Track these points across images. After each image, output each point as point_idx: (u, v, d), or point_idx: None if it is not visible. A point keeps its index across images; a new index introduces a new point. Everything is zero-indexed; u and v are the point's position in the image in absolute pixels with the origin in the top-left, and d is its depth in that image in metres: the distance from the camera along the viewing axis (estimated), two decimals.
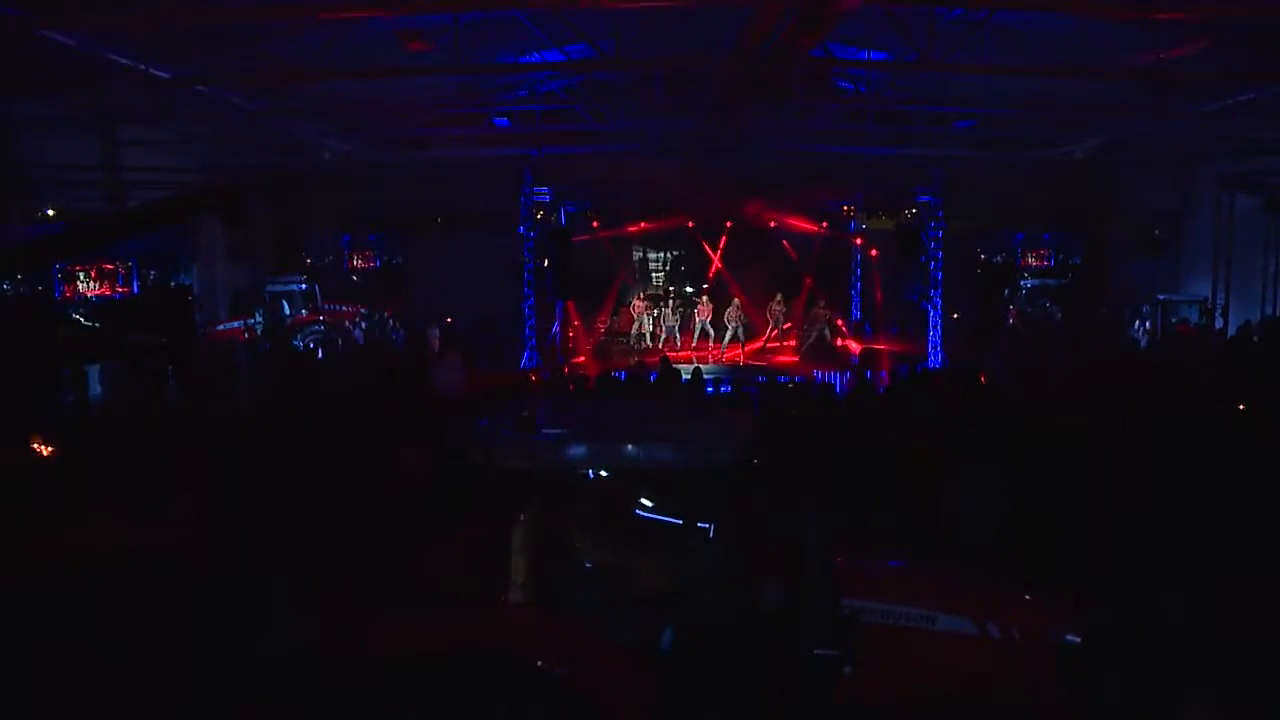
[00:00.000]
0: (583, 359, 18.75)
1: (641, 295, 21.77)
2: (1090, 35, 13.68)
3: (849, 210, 21.02)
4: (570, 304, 20.19)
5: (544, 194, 18.28)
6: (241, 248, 26.41)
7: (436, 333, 20.09)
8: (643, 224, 21.19)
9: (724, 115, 17.71)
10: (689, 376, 13.63)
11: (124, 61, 12.52)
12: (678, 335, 21.12)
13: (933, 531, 7.64)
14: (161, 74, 13.07)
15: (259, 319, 20.71)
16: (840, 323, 22.61)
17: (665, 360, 14.32)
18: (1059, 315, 22.09)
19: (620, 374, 15.26)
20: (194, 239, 24.11)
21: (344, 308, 23.55)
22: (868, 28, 15.12)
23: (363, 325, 22.47)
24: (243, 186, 12.99)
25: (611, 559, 4.78)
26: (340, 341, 20.61)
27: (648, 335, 21.31)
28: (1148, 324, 19.95)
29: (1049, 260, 26.18)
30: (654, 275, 27.00)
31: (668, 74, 16.88)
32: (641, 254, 27.17)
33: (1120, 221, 22.99)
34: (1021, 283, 23.39)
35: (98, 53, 12.15)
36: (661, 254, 26.76)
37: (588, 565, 4.74)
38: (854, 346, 20.83)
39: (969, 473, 7.47)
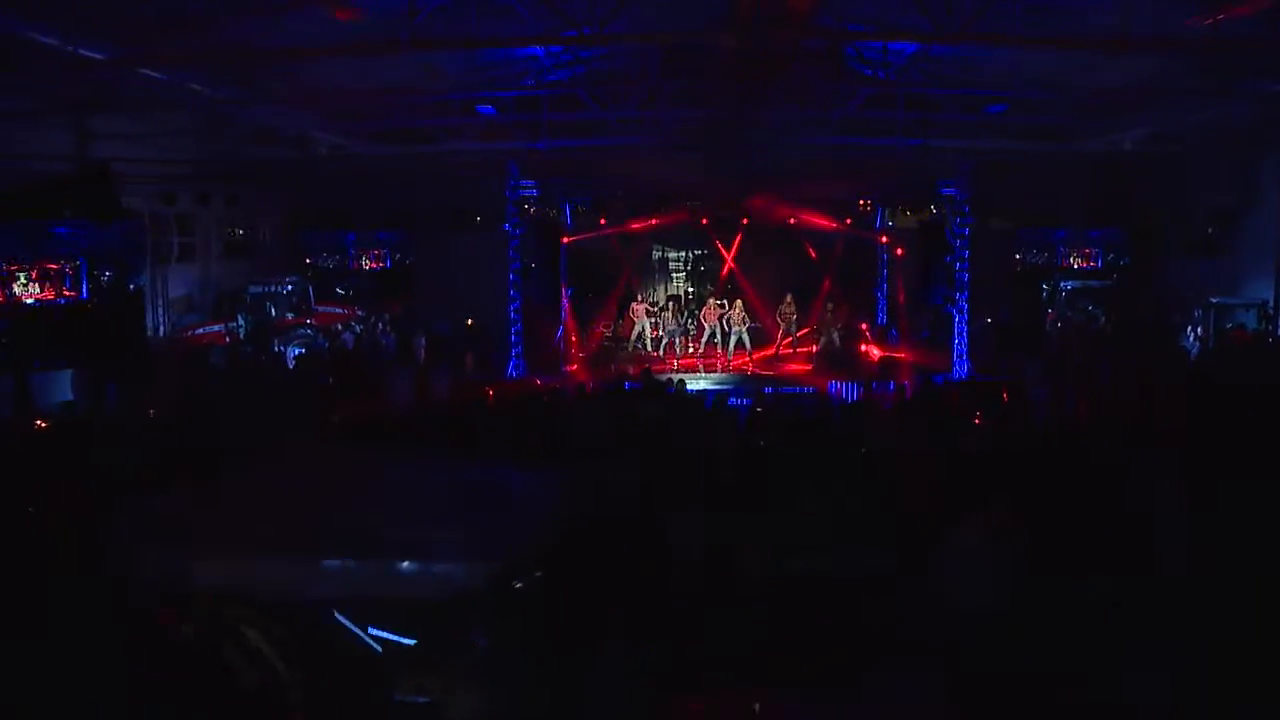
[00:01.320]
0: (575, 367, 17.26)
1: (640, 297, 20.29)
2: (1133, 5, 12.02)
3: (865, 204, 19.34)
4: (567, 307, 18.77)
5: (530, 188, 16.90)
6: (239, 245, 25.60)
7: (423, 341, 18.79)
8: (652, 220, 19.70)
9: (732, 102, 16.30)
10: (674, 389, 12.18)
11: (48, 41, 11.35)
12: (677, 341, 19.59)
13: (924, 594, 6.18)
14: (94, 55, 11.88)
15: (241, 322, 19.61)
16: (865, 327, 20.99)
17: (648, 372, 12.89)
18: (1102, 319, 20.23)
19: (630, 384, 13.93)
20: (192, 236, 23.34)
21: (339, 310, 22.48)
22: (886, 10, 13.66)
23: (356, 329, 21.29)
24: (110, 173, 11.73)
25: None
26: (328, 346, 19.43)
27: (648, 341, 19.83)
28: (1198, 330, 18.07)
29: (1096, 260, 24.31)
30: (674, 275, 25.71)
31: (665, 55, 15.43)
32: (662, 253, 25.93)
33: (1171, 218, 21.14)
34: (1061, 284, 21.53)
35: (16, 31, 11.00)
36: (682, 253, 25.36)
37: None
38: (875, 354, 19.20)
39: (970, 527, 5.96)
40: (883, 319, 21.83)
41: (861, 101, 16.51)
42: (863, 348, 20.06)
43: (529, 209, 18.73)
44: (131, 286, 15.58)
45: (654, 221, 19.67)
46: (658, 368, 16.85)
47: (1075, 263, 24.21)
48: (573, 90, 17.84)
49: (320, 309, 22.10)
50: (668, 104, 17.94)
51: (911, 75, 16.29)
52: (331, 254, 28.13)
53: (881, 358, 18.64)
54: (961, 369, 16.77)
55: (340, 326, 20.95)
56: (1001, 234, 25.44)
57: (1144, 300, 20.71)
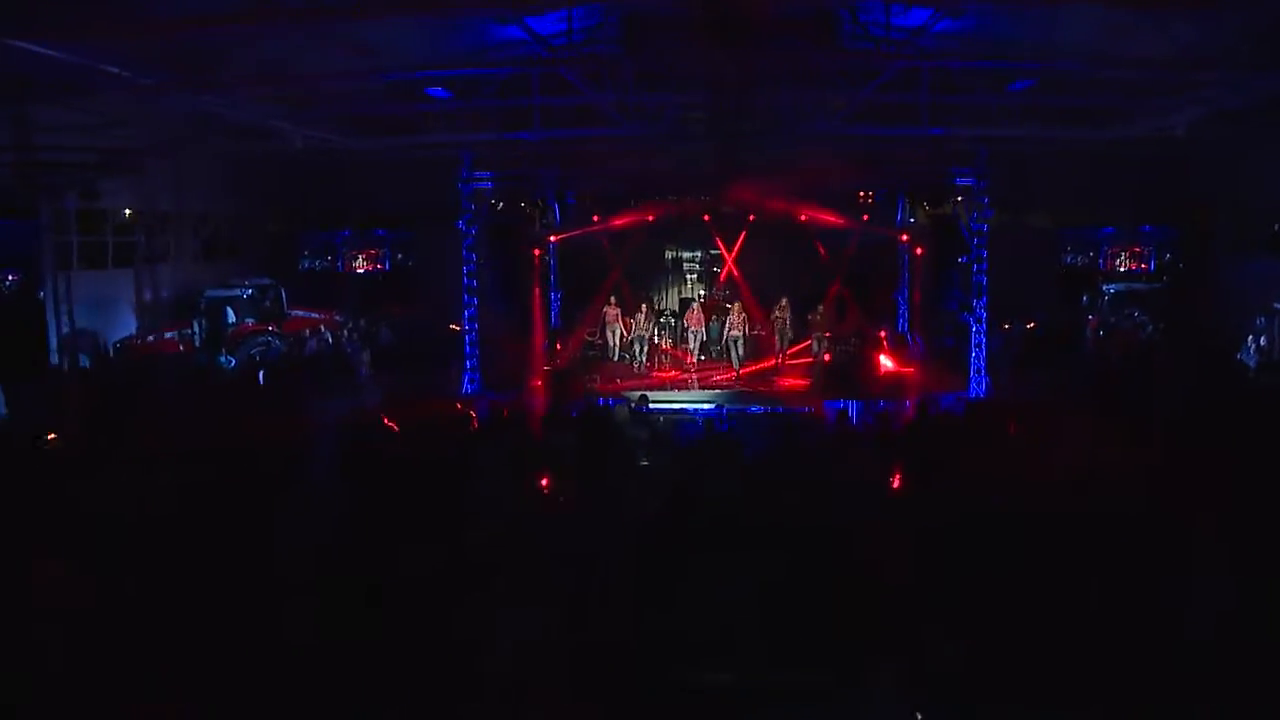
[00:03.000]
0: (539, 382, 15.30)
1: (613, 301, 18.32)
2: None
3: (865, 197, 17.15)
4: (537, 314, 16.91)
5: (485, 180, 15.13)
6: (221, 247, 24.20)
7: (367, 355, 17.11)
8: (634, 216, 17.80)
9: (723, 83, 14.44)
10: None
11: None
12: (641, 349, 17.57)
13: None
14: None
15: (197, 329, 18.13)
16: (883, 335, 18.82)
17: (591, 394, 10.99)
18: (1149, 327, 17.87)
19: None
20: (164, 236, 21.97)
21: (315, 315, 20.89)
22: None
23: (329, 336, 19.66)
24: None
25: None
26: (279, 355, 17.88)
27: (631, 349, 17.84)
28: (1261, 339, 15.69)
29: (1148, 261, 21.87)
30: (688, 277, 23.90)
31: (635, 27, 13.56)
32: (675, 254, 24.14)
33: (1230, 212, 18.72)
34: (1103, 287, 19.18)
35: None
36: (697, 253, 23.50)
37: None
38: (888, 366, 17.04)
39: (892, 665, 4.04)
40: (904, 326, 19.64)
41: (870, 85, 14.38)
42: (880, 358, 17.89)
43: (496, 204, 16.96)
44: (42, 293, 14.22)
45: (637, 218, 17.73)
46: (632, 383, 15.08)
47: (1125, 264, 21.87)
48: (555, 69, 16.03)
49: (295, 314, 20.59)
50: (652, 86, 16.18)
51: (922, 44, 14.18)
52: (323, 254, 26.78)
53: (888, 373, 16.49)
54: (979, 387, 14.57)
55: (308, 333, 19.33)
56: (1041, 233, 23.23)
57: (1198, 305, 18.34)
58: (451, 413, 9.96)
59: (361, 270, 26.64)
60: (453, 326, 21.25)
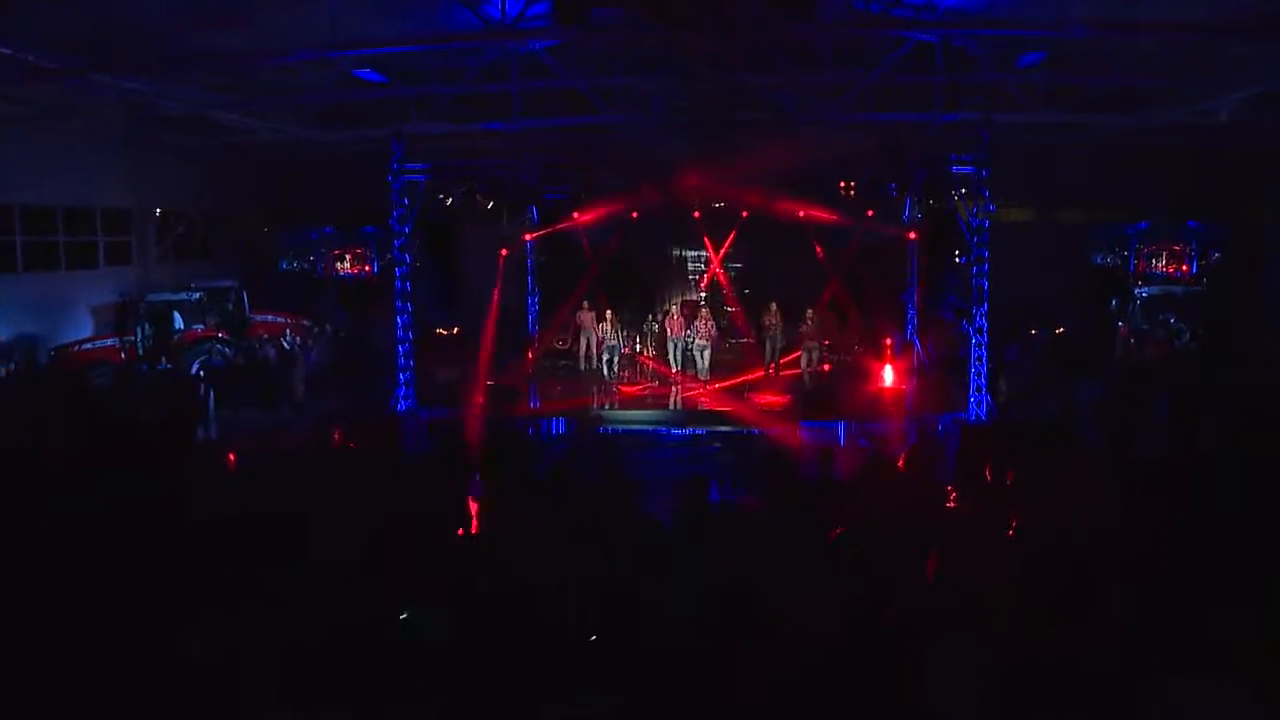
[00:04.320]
0: (481, 399, 13.60)
1: (586, 305, 16.65)
2: None
3: (847, 188, 15.27)
4: (491, 320, 15.32)
5: (417, 172, 13.56)
6: (196, 247, 22.98)
7: (303, 372, 15.66)
8: (605, 210, 16.21)
9: (687, 60, 12.89)
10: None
11: None
12: (617, 359, 15.84)
13: None
14: None
15: (139, 335, 16.83)
16: (888, 343, 16.95)
17: (498, 421, 9.39)
18: (1186, 334, 15.88)
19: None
20: (126, 235, 20.78)
21: (279, 319, 19.53)
22: None
23: (294, 342, 18.27)
24: None
25: None
26: (222, 364, 16.53)
27: (602, 358, 16.14)
28: None
29: (1190, 262, 19.74)
30: (691, 277, 22.33)
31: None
32: (679, 253, 22.56)
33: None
34: (1135, 291, 17.18)
35: None
36: (701, 252, 21.90)
37: None
38: (887, 379, 15.20)
39: None
40: (912, 333, 17.77)
41: (888, 59, 12.53)
42: (885, 370, 16.01)
43: (446, 200, 15.43)
44: None
45: (612, 211, 16.08)
46: (592, 399, 13.43)
47: (1162, 264, 19.79)
48: (531, 47, 14.49)
49: (261, 318, 19.27)
50: (638, 73, 14.69)
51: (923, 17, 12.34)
52: (305, 254, 25.43)
53: (885, 390, 14.63)
54: (979, 408, 12.68)
55: (265, 338, 17.98)
56: (1070, 229, 21.32)
57: (1240, 310, 16.35)
58: (316, 443, 8.39)
59: (347, 272, 25.21)
60: (440, 330, 19.93)
